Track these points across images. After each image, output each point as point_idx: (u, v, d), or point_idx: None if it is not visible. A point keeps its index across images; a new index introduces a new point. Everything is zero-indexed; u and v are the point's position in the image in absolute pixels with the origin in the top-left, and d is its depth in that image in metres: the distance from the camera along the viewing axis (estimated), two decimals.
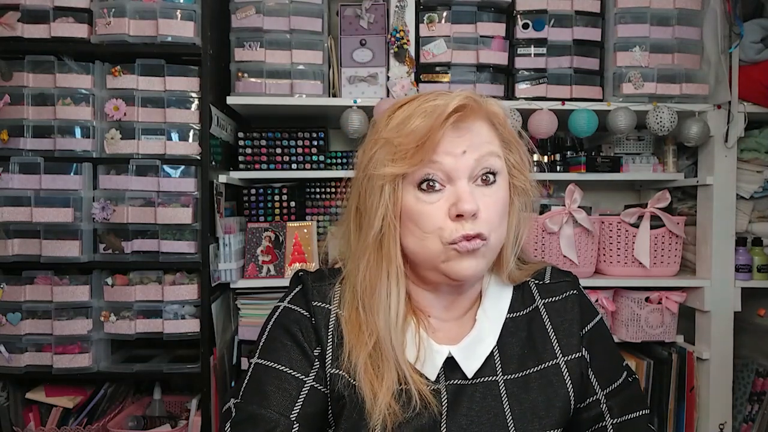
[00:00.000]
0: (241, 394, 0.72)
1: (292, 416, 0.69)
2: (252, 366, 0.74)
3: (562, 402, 0.74)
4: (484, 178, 0.70)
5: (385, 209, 0.70)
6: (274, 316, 0.77)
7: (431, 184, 0.69)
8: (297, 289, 0.79)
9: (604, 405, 0.78)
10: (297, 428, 0.68)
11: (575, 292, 0.82)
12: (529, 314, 0.80)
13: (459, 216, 0.68)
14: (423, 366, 0.73)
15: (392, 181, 0.70)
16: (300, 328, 0.74)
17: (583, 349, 0.78)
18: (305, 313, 0.75)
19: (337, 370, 0.72)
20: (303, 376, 0.72)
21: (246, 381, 0.73)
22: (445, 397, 0.72)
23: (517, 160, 0.75)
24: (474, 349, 0.75)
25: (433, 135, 0.67)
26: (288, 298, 0.78)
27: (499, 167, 0.71)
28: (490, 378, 0.74)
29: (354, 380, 0.71)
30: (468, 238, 0.68)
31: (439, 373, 0.73)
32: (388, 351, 0.70)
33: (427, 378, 0.72)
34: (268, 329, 0.77)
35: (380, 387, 0.69)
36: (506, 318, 0.78)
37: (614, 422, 0.78)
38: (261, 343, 0.76)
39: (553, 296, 0.81)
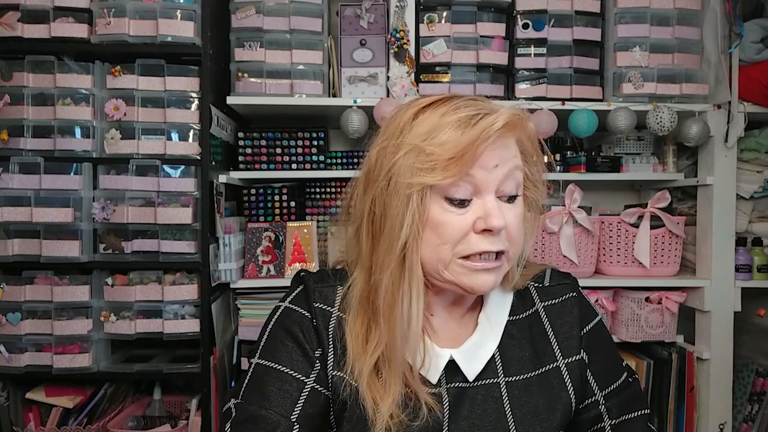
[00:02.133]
0: (241, 394, 0.72)
1: (292, 417, 0.69)
2: (252, 366, 0.74)
3: (563, 404, 0.74)
4: (509, 194, 0.69)
5: (413, 218, 0.67)
6: (276, 316, 0.77)
7: (462, 199, 0.68)
8: (299, 290, 0.78)
9: (603, 406, 0.78)
10: (297, 429, 0.68)
11: (574, 294, 0.82)
12: (529, 317, 0.80)
13: (485, 231, 0.67)
14: (425, 370, 0.72)
15: (421, 190, 0.67)
16: (301, 328, 0.74)
17: (582, 351, 0.78)
18: (307, 314, 0.75)
19: (339, 373, 0.71)
20: (304, 377, 0.71)
21: (246, 381, 0.73)
22: (447, 400, 0.72)
23: (534, 173, 0.75)
24: (475, 353, 0.74)
25: (475, 150, 0.65)
26: (289, 299, 0.78)
27: (521, 181, 0.71)
28: (492, 381, 0.74)
29: (355, 383, 0.70)
30: (490, 253, 0.68)
31: (440, 377, 0.73)
32: (397, 362, 0.69)
33: (429, 381, 0.72)
34: (269, 329, 0.76)
35: (384, 397, 0.68)
36: (507, 321, 0.78)
37: (612, 423, 0.78)
38: (262, 343, 0.76)
39: (553, 299, 0.81)
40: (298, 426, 0.68)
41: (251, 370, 0.74)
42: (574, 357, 0.77)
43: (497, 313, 0.78)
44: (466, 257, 0.68)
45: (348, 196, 0.79)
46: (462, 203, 0.68)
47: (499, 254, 0.69)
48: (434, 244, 0.68)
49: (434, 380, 0.72)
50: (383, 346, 0.70)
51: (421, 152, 0.67)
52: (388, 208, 0.69)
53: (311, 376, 0.72)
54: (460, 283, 0.69)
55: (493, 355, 0.75)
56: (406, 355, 0.70)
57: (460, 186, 0.67)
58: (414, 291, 0.69)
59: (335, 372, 0.72)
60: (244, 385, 0.73)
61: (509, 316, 0.79)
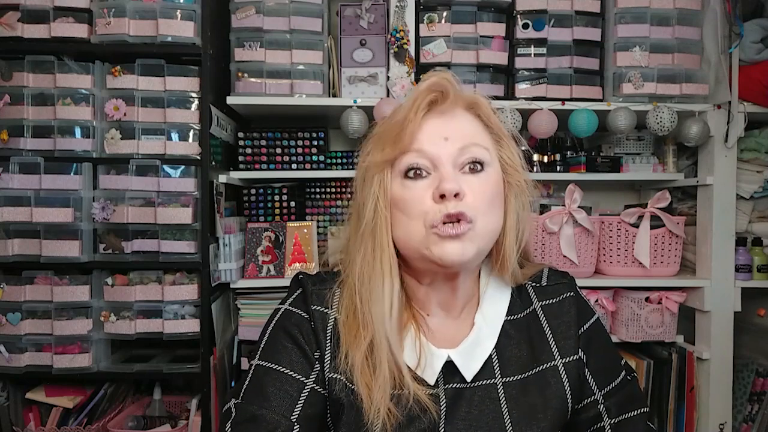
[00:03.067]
0: (242, 394, 0.72)
1: (292, 417, 0.69)
2: (253, 367, 0.74)
3: (559, 403, 0.74)
4: (471, 167, 0.71)
5: (376, 199, 0.71)
6: (275, 318, 0.78)
7: (417, 171, 0.70)
8: (297, 293, 0.79)
9: (602, 405, 0.78)
10: (297, 429, 0.68)
11: (572, 293, 0.82)
12: (526, 317, 0.80)
13: (442, 197, 0.68)
14: (423, 371, 0.72)
15: (381, 171, 0.72)
16: (300, 330, 0.74)
17: (580, 350, 0.78)
18: (305, 316, 0.75)
19: (335, 374, 0.72)
20: (304, 378, 0.72)
21: (247, 382, 0.73)
22: (444, 401, 0.72)
23: (510, 156, 0.76)
24: (472, 353, 0.75)
25: (412, 116, 0.69)
26: (289, 301, 0.78)
27: (487, 159, 0.72)
28: (489, 381, 0.74)
29: (351, 384, 0.71)
30: (450, 217, 0.68)
31: (437, 377, 0.73)
32: (382, 345, 0.70)
33: (426, 382, 0.72)
34: (269, 331, 0.77)
35: (374, 381, 0.69)
36: (504, 321, 0.78)
37: (612, 422, 0.78)
38: (262, 345, 0.76)
39: (551, 298, 0.81)
40: (298, 426, 0.69)
41: (251, 370, 0.74)
42: (572, 357, 0.77)
43: (494, 313, 0.78)
44: (435, 226, 0.69)
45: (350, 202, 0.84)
46: (418, 175, 0.70)
47: (461, 219, 0.68)
48: (404, 222, 0.71)
49: (431, 381, 0.73)
50: (372, 333, 0.71)
51: (380, 137, 0.73)
52: (362, 195, 0.74)
53: (311, 376, 0.72)
54: (431, 255, 0.69)
55: (491, 355, 0.75)
56: (387, 334, 0.70)
57: (412, 158, 0.70)
58: (386, 267, 0.71)
59: (332, 374, 0.72)
60: (245, 386, 0.73)
61: (507, 315, 0.79)
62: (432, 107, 0.72)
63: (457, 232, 0.68)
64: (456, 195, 0.68)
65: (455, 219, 0.68)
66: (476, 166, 0.71)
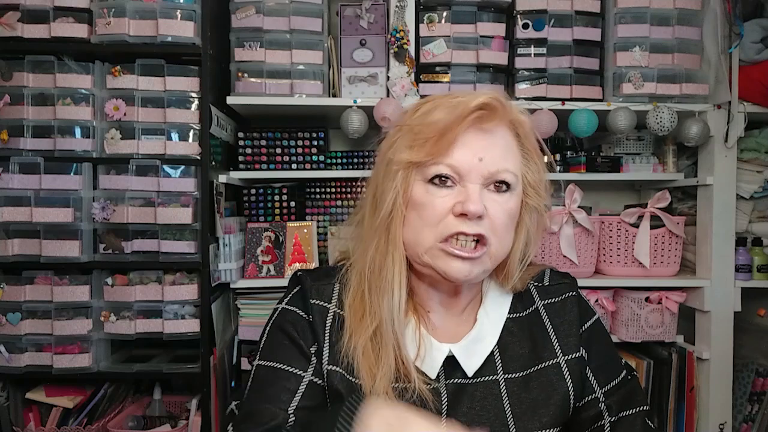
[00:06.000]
0: (244, 396, 0.74)
1: (289, 410, 0.70)
2: (254, 368, 0.76)
3: (561, 400, 0.75)
4: (497, 185, 0.71)
5: (396, 193, 0.70)
6: (273, 318, 0.79)
7: (443, 179, 0.70)
8: (295, 290, 0.80)
9: (603, 404, 0.79)
10: (293, 420, 0.69)
11: (574, 293, 0.83)
12: (529, 315, 0.80)
13: (462, 215, 0.68)
14: (423, 363, 0.73)
15: (406, 168, 0.70)
16: (296, 327, 0.76)
17: (582, 348, 0.79)
18: (302, 313, 0.77)
19: (334, 367, 0.73)
20: (301, 372, 0.73)
21: (250, 383, 0.75)
22: (445, 395, 0.73)
23: (535, 179, 0.75)
24: (474, 348, 0.75)
25: (453, 128, 0.67)
26: (286, 300, 0.80)
27: (514, 182, 0.72)
28: (491, 377, 0.74)
29: (350, 375, 0.72)
30: (465, 234, 0.68)
31: (439, 372, 0.74)
32: (388, 335, 0.71)
33: (427, 376, 0.73)
34: (267, 331, 0.79)
35: (378, 371, 0.70)
36: (507, 318, 0.79)
37: (612, 420, 0.78)
38: (261, 345, 0.78)
39: (553, 298, 0.82)
40: (293, 417, 0.69)
41: (253, 372, 0.76)
42: (574, 354, 0.78)
43: (497, 310, 0.79)
44: (446, 240, 0.69)
45: (363, 190, 0.82)
46: (443, 184, 0.70)
47: (478, 243, 0.69)
48: (417, 226, 0.71)
49: (432, 375, 0.73)
50: (378, 320, 0.72)
51: (412, 131, 0.71)
52: (381, 184, 0.73)
53: (308, 370, 0.73)
54: (435, 267, 0.70)
55: (493, 351, 0.76)
56: (395, 327, 0.71)
57: (441, 168, 0.69)
58: (397, 263, 0.72)
59: (330, 366, 0.73)
60: (247, 388, 0.75)
61: (509, 314, 0.79)
62: (474, 122, 0.70)
63: (471, 255, 0.69)
64: (478, 217, 0.68)
65: (472, 239, 0.69)
66: (502, 186, 0.71)
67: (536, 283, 0.83)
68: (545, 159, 0.78)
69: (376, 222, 0.73)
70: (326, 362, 0.73)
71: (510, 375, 0.75)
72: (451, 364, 0.74)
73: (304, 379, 0.72)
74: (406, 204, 0.71)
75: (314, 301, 0.76)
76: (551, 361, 0.77)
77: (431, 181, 0.70)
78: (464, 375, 0.74)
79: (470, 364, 0.74)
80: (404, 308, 0.73)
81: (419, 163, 0.70)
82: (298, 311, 0.77)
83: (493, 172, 0.69)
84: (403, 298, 0.72)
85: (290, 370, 0.73)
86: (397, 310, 0.71)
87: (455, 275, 0.70)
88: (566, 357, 0.77)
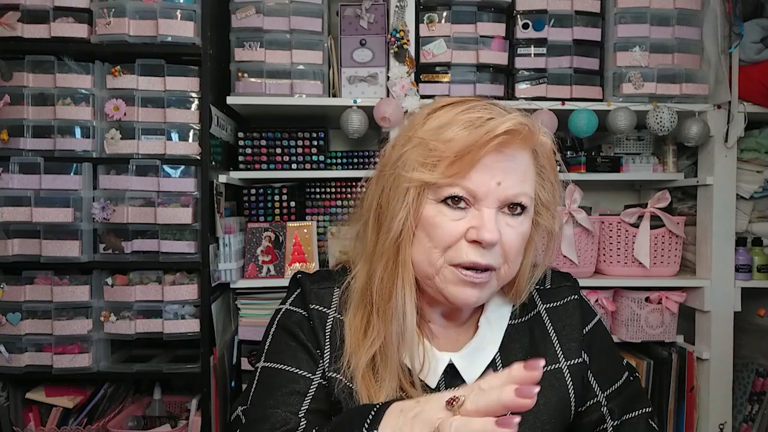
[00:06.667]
0: (249, 400, 0.72)
1: (300, 413, 0.69)
2: (259, 370, 0.74)
3: (562, 405, 0.74)
4: (511, 207, 0.68)
5: (407, 213, 0.67)
6: (277, 319, 0.78)
7: (457, 200, 0.66)
8: (296, 292, 0.79)
9: (605, 408, 0.78)
10: (305, 424, 0.67)
11: (576, 296, 0.82)
12: (530, 320, 0.79)
13: (476, 242, 0.65)
14: (425, 375, 0.72)
15: (418, 186, 0.67)
16: (302, 328, 0.74)
17: (583, 352, 0.78)
18: (305, 315, 0.75)
19: (335, 374, 0.72)
20: (310, 375, 0.72)
21: (254, 387, 0.73)
22: None
23: (548, 199, 0.73)
24: (475, 357, 0.74)
25: (475, 151, 0.63)
26: (289, 301, 0.78)
27: (529, 204, 0.69)
28: None
29: (351, 384, 0.70)
30: (477, 267, 0.66)
31: (439, 381, 0.73)
32: (393, 358, 0.69)
33: (427, 385, 0.72)
34: (271, 333, 0.77)
35: (378, 393, 0.68)
36: (508, 325, 0.78)
37: (615, 424, 0.77)
38: (266, 347, 0.76)
39: (555, 301, 0.81)
40: (305, 421, 0.68)
41: (258, 374, 0.74)
42: (576, 359, 0.77)
43: (498, 318, 0.78)
44: (456, 265, 0.67)
45: (362, 193, 0.79)
46: (458, 208, 0.66)
47: (486, 269, 0.67)
48: (426, 246, 0.68)
49: (433, 384, 0.72)
50: (381, 340, 0.70)
51: (426, 147, 0.66)
52: (390, 199, 0.69)
53: (317, 372, 0.72)
54: (443, 291, 0.68)
55: (494, 359, 0.75)
56: (403, 356, 0.70)
57: (457, 190, 0.66)
58: (407, 286, 0.69)
59: (331, 372, 0.72)
60: (252, 391, 0.73)
61: (511, 319, 0.78)
62: (497, 146, 0.65)
63: (481, 281, 0.67)
64: (492, 245, 0.65)
65: (482, 270, 0.66)
66: (516, 208, 0.68)
67: (537, 286, 0.82)
68: (560, 174, 0.75)
69: (385, 242, 0.69)
70: (327, 368, 0.72)
71: None
72: (451, 372, 0.73)
73: (313, 382, 0.71)
74: (417, 223, 0.68)
75: (313, 306, 0.75)
76: (553, 366, 0.76)
77: (444, 201, 0.67)
78: (465, 383, 0.73)
79: (471, 373, 0.73)
80: (415, 328, 0.70)
81: (433, 183, 0.66)
82: (302, 312, 0.76)
83: (510, 196, 0.66)
84: (414, 319, 0.70)
85: (299, 372, 0.71)
86: (409, 332, 0.69)
87: (463, 302, 0.68)
88: (568, 362, 0.76)
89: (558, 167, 0.74)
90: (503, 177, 0.66)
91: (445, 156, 0.65)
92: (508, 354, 0.76)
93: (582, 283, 0.87)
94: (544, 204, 0.73)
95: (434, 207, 0.67)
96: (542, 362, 0.45)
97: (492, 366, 0.74)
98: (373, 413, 0.53)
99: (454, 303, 0.69)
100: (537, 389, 0.43)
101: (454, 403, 0.46)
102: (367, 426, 0.52)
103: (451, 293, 0.68)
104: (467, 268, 0.66)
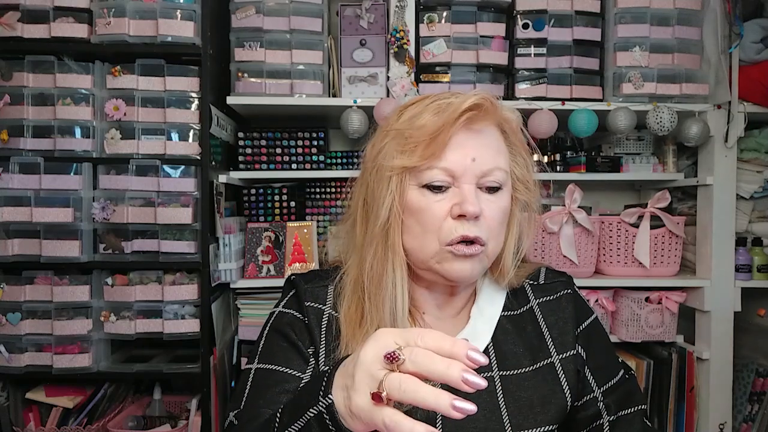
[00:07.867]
0: (243, 403, 0.73)
1: None
2: (252, 372, 0.75)
3: (557, 399, 0.75)
4: (488, 187, 0.72)
5: (392, 199, 0.71)
6: (270, 322, 0.80)
7: (437, 188, 0.71)
8: (290, 294, 0.81)
9: (602, 403, 0.79)
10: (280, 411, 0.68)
11: (569, 291, 0.83)
12: (523, 313, 0.81)
13: (461, 216, 0.69)
14: None
15: (400, 173, 0.71)
16: (293, 329, 0.76)
17: (579, 346, 0.79)
18: (298, 315, 0.77)
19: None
20: (300, 374, 0.73)
21: (247, 389, 0.74)
22: None
23: (523, 174, 0.77)
24: None
25: (445, 130, 0.68)
26: (282, 303, 0.80)
27: (504, 180, 0.73)
28: (486, 374, 0.75)
29: None
30: (466, 239, 0.69)
31: None
32: None
33: None
34: (264, 335, 0.79)
35: None
36: (500, 316, 0.79)
37: (610, 419, 0.78)
38: (259, 349, 0.78)
39: (548, 295, 0.82)
40: None
41: (251, 375, 0.75)
42: (569, 352, 0.78)
43: (490, 307, 0.79)
44: (450, 245, 0.70)
45: (350, 193, 0.83)
46: (438, 189, 0.71)
47: (474, 241, 0.70)
48: (418, 233, 0.71)
49: None
50: (375, 327, 0.71)
51: (402, 136, 0.71)
52: (373, 191, 0.73)
53: (307, 371, 0.73)
54: (440, 270, 0.71)
55: (487, 348, 0.76)
56: None
57: (436, 173, 0.70)
58: (398, 270, 0.72)
59: (326, 367, 0.73)
60: (246, 394, 0.73)
61: (503, 311, 0.80)
62: (465, 123, 0.71)
63: (472, 252, 0.70)
64: (475, 217, 0.69)
65: (471, 241, 0.70)
66: (494, 184, 0.72)
67: (531, 282, 0.84)
68: (535, 157, 0.79)
69: (373, 230, 0.73)
70: (323, 363, 0.73)
71: (505, 372, 0.75)
72: None
73: (302, 381, 0.72)
74: (403, 210, 0.72)
75: (309, 303, 0.77)
76: (546, 360, 0.77)
77: (426, 186, 0.71)
78: None
79: None
80: (407, 312, 0.73)
81: (413, 167, 0.70)
82: (294, 313, 0.77)
83: (485, 171, 0.71)
84: (406, 304, 0.73)
85: (289, 372, 0.73)
86: (400, 317, 0.71)
87: (459, 275, 0.71)
88: (560, 356, 0.77)
89: (527, 144, 0.79)
90: (476, 153, 0.70)
91: (420, 141, 0.69)
92: (500, 345, 0.77)
93: (582, 283, 0.88)
94: (519, 179, 0.77)
95: (417, 192, 0.71)
96: (483, 360, 0.47)
97: (485, 353, 0.75)
98: (326, 378, 0.55)
99: (450, 279, 0.72)
100: (483, 386, 0.46)
101: (394, 361, 0.47)
102: (322, 392, 0.53)
103: (446, 270, 0.71)
104: (459, 243, 0.70)
